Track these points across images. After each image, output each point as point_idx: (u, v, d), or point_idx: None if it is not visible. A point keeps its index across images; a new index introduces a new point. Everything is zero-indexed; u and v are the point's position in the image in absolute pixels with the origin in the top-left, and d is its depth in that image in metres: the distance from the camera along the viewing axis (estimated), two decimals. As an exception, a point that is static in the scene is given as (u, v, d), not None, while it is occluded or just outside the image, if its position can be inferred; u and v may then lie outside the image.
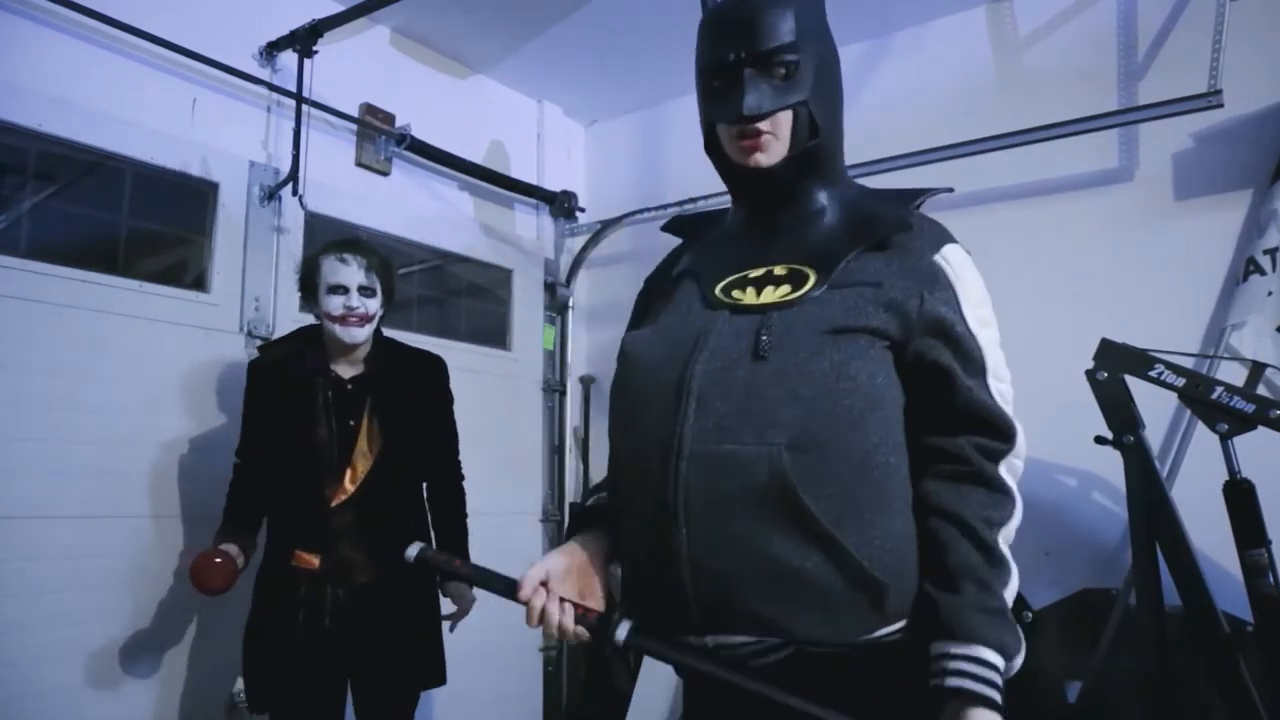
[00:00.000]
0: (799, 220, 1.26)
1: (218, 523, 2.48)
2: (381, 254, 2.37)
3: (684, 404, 1.12)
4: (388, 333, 2.48)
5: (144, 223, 2.70)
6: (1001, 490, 1.14)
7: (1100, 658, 2.50)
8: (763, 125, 1.20)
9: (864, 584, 1.07)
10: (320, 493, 2.21)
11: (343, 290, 2.23)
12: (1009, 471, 1.16)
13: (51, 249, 2.45)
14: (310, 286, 2.29)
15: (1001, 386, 1.20)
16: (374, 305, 2.28)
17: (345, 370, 2.31)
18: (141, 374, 2.54)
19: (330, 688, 2.23)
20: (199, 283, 2.77)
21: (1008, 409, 1.18)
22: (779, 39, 1.19)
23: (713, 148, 1.30)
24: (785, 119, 1.20)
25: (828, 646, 1.08)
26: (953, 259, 1.23)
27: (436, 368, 2.46)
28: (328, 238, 3.11)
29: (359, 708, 2.29)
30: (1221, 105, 2.54)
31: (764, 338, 1.12)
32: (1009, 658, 1.05)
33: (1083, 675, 2.53)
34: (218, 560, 2.15)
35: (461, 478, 2.53)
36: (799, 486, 1.05)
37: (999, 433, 1.16)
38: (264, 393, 2.30)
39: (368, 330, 2.28)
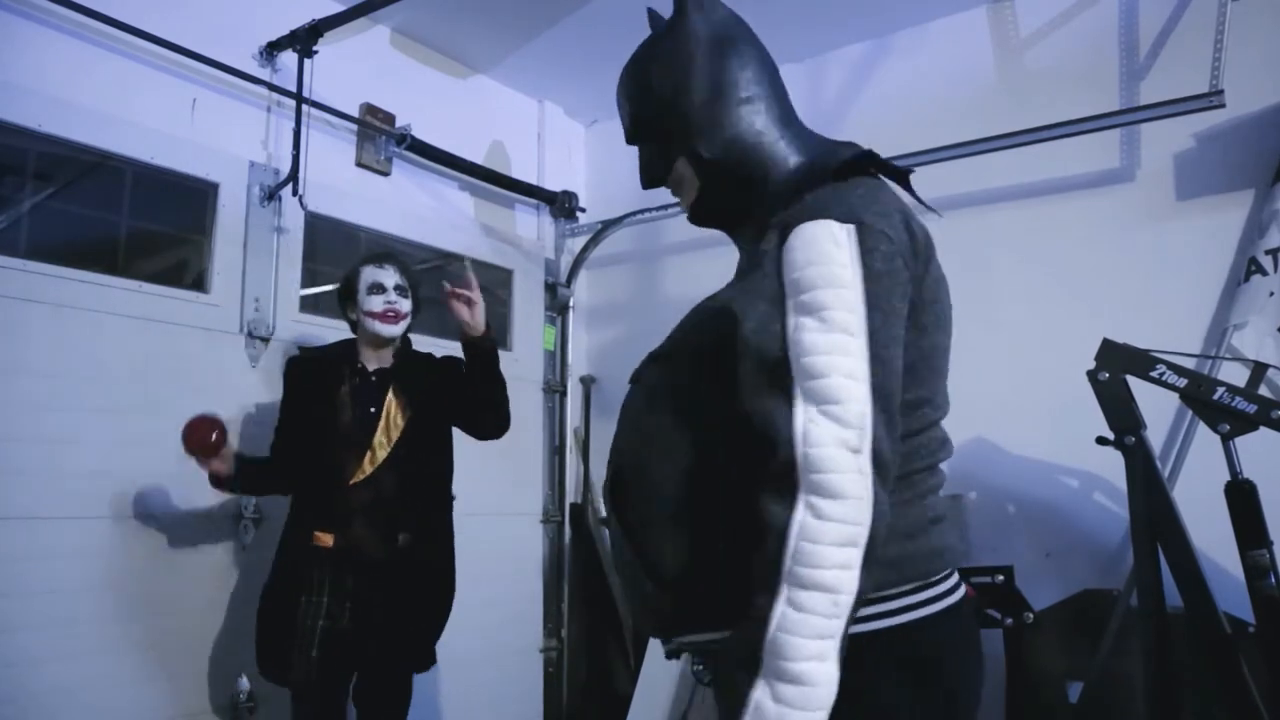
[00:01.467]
0: (749, 243, 1.23)
1: (217, 524, 2.50)
2: (411, 267, 2.61)
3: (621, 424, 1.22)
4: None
5: (144, 223, 2.70)
6: (766, 526, 0.95)
7: (1101, 658, 2.50)
8: (668, 188, 1.28)
9: (659, 591, 1.11)
10: (340, 472, 2.36)
11: (381, 289, 2.48)
12: (807, 494, 0.94)
13: (51, 249, 2.44)
14: (350, 291, 2.51)
15: (815, 385, 0.96)
16: (407, 305, 2.52)
17: (372, 364, 2.50)
18: (141, 374, 2.54)
19: (336, 663, 2.32)
20: (199, 283, 2.77)
21: (798, 420, 0.96)
22: (635, 110, 1.29)
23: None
24: (680, 168, 1.26)
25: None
26: (792, 242, 1.04)
27: (454, 363, 2.62)
28: (328, 238, 3.13)
29: (359, 684, 2.40)
30: (1223, 105, 2.54)
31: (642, 366, 1.21)
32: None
33: (1084, 676, 2.53)
34: (213, 436, 2.23)
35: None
36: (624, 506, 1.15)
37: (767, 446, 0.97)
38: (299, 383, 2.49)
39: (402, 327, 2.51)
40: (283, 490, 2.48)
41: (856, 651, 0.97)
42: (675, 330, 1.20)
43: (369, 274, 2.50)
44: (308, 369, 2.50)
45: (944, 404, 1.18)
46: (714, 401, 1.07)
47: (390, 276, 2.50)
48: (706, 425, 1.09)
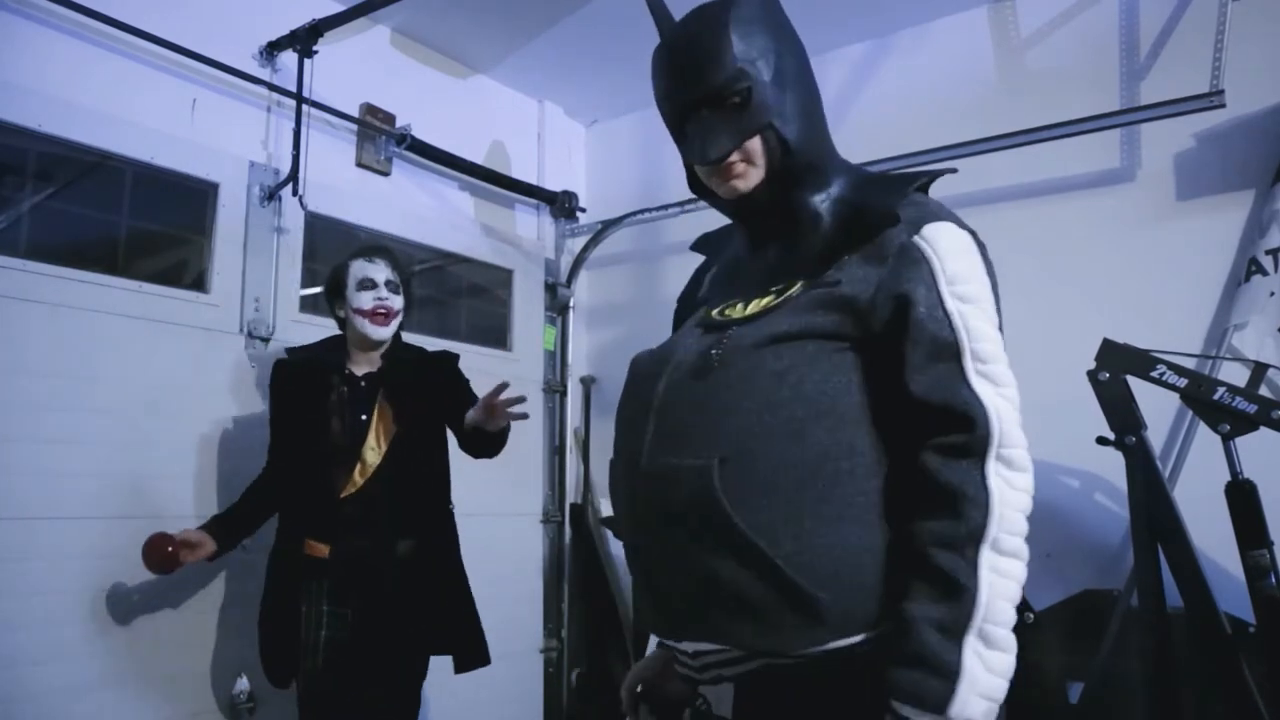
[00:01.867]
0: (795, 231, 1.22)
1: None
2: (404, 262, 2.52)
3: (648, 419, 1.14)
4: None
5: (144, 223, 2.70)
6: (964, 496, 1.00)
7: (1102, 659, 2.49)
8: (732, 158, 1.19)
9: (793, 595, 1.02)
10: (330, 485, 2.28)
11: (371, 284, 2.37)
12: (999, 465, 1.02)
13: (51, 249, 2.44)
14: (338, 287, 2.41)
15: (989, 368, 1.06)
16: (399, 302, 2.42)
17: (361, 368, 2.41)
18: (141, 375, 2.53)
19: (346, 673, 2.26)
20: (199, 283, 2.77)
21: (987, 398, 1.04)
22: (723, 73, 1.17)
23: (697, 180, 1.32)
24: (755, 144, 1.20)
25: (787, 658, 1.06)
26: (931, 236, 1.12)
27: (447, 358, 2.54)
28: (328, 238, 3.12)
29: (367, 691, 2.30)
30: (1224, 105, 2.54)
31: (714, 352, 1.12)
32: (927, 708, 0.96)
33: (1084, 676, 2.53)
34: (169, 550, 2.21)
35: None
36: (726, 499, 1.04)
37: (960, 423, 1.03)
38: (284, 391, 2.40)
39: (393, 327, 2.41)
40: (273, 511, 2.41)
41: (851, 670, 1.04)
42: (787, 313, 1.13)
43: (358, 268, 2.40)
44: (294, 374, 2.40)
45: None
46: (849, 383, 1.09)
47: (381, 271, 2.40)
48: (843, 407, 1.08)
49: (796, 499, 1.04)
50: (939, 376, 1.06)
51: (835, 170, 1.25)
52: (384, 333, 2.38)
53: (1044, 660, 2.60)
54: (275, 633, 2.30)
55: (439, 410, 2.43)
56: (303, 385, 2.37)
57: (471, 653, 2.40)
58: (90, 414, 2.42)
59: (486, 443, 2.36)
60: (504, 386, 2.15)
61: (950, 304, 1.08)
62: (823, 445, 1.06)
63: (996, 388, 1.06)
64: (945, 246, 1.11)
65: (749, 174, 1.21)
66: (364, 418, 2.34)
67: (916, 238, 1.11)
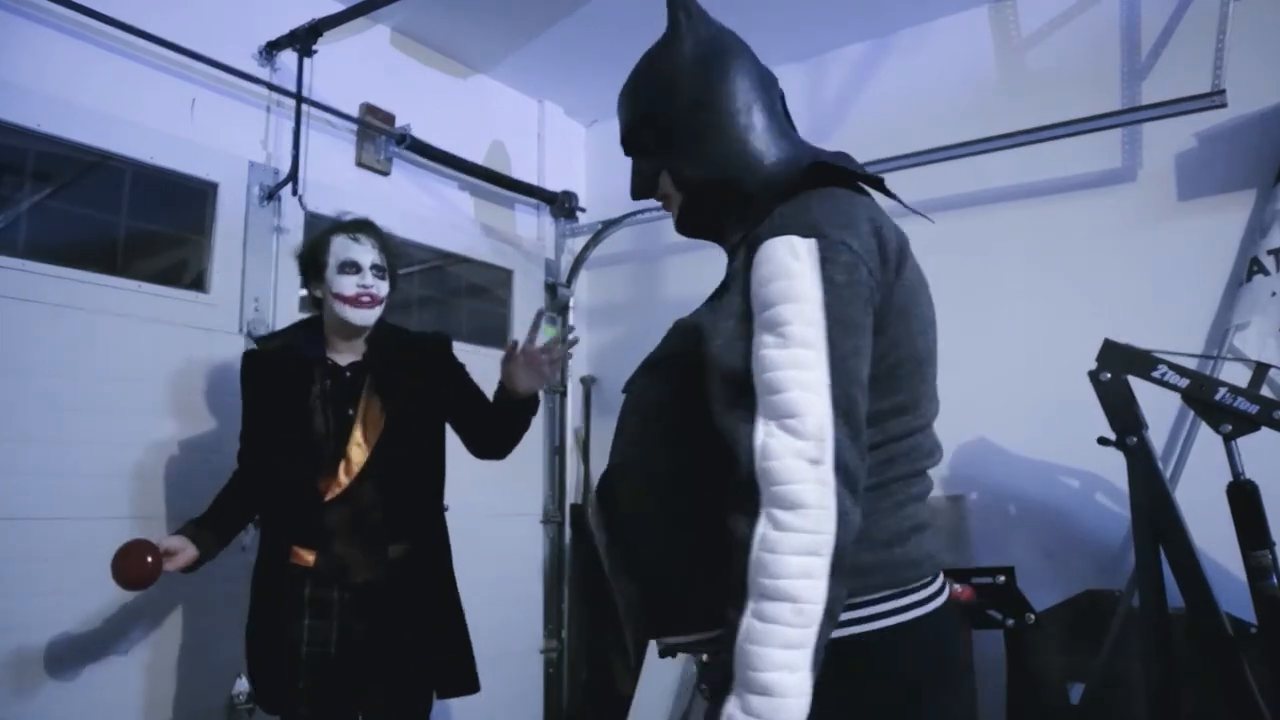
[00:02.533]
0: (730, 257, 1.24)
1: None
2: (391, 239, 2.29)
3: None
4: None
5: (143, 223, 2.70)
6: (735, 545, 0.97)
7: (1103, 659, 2.49)
8: (657, 199, 1.31)
9: (647, 591, 1.15)
10: (314, 487, 2.09)
11: (355, 268, 2.14)
12: (769, 507, 0.96)
13: (50, 249, 2.44)
14: (317, 265, 2.17)
15: (773, 399, 0.98)
16: (385, 288, 2.19)
17: (343, 357, 2.20)
18: (140, 375, 2.53)
19: (340, 693, 2.10)
20: (198, 283, 2.76)
21: (756, 435, 0.98)
22: (626, 124, 1.32)
23: None
24: (666, 182, 1.28)
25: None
26: (757, 258, 1.07)
27: (440, 341, 2.35)
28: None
29: (369, 717, 2.17)
30: (1225, 105, 2.54)
31: (635, 374, 1.24)
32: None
33: (1085, 677, 2.53)
34: (148, 560, 1.99)
35: None
36: (615, 504, 1.19)
37: (734, 465, 0.99)
38: (258, 384, 2.19)
39: (378, 313, 2.18)
40: (251, 515, 2.24)
41: (827, 658, 0.99)
42: (662, 341, 1.24)
43: (341, 247, 2.15)
44: (269, 365, 2.17)
45: (929, 410, 1.17)
46: (691, 415, 1.09)
47: (367, 253, 2.16)
48: (686, 437, 1.11)
49: (641, 507, 1.16)
50: (724, 412, 1.04)
51: (758, 178, 1.21)
52: (368, 317, 2.15)
53: (1045, 661, 2.60)
54: (265, 652, 2.10)
55: (432, 402, 2.25)
56: (279, 377, 2.15)
57: (459, 682, 2.22)
58: (89, 414, 2.42)
59: (511, 419, 2.19)
60: (540, 318, 2.12)
61: (755, 336, 1.04)
62: (657, 458, 1.16)
63: (777, 421, 0.97)
64: (763, 269, 1.05)
65: (673, 207, 1.30)
66: (350, 412, 2.14)
67: (750, 262, 1.09)
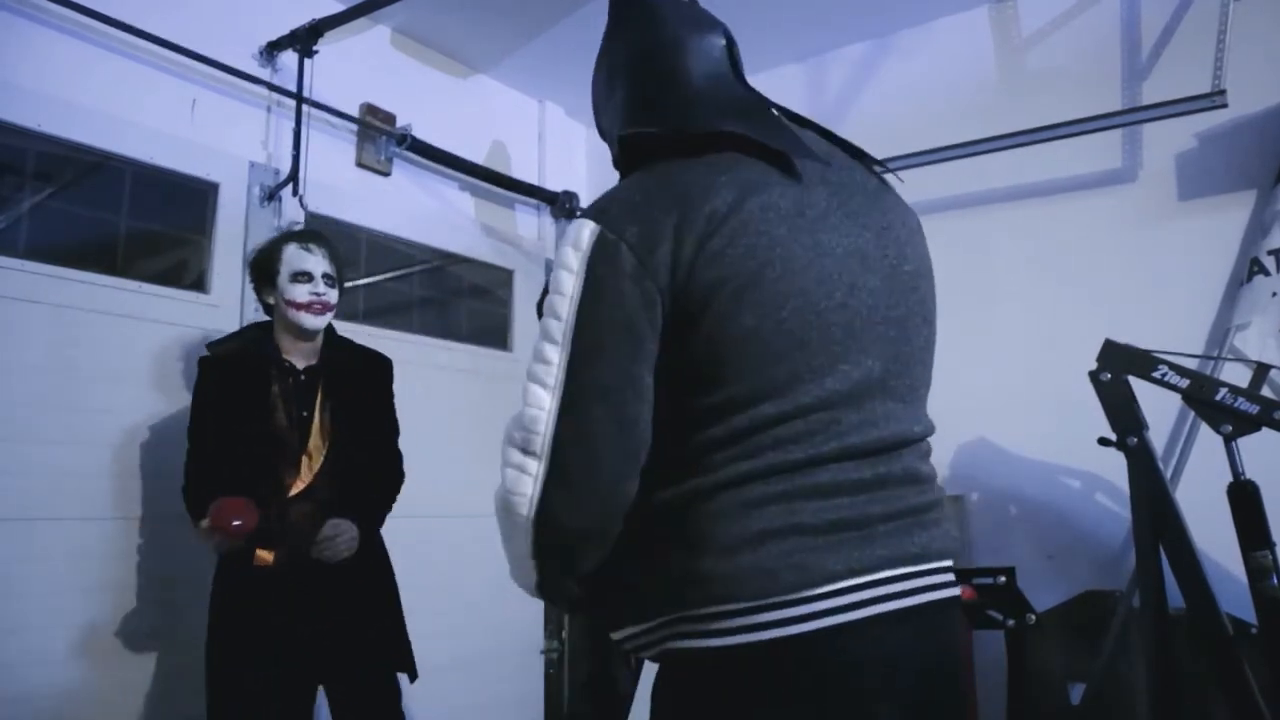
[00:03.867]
0: None
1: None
2: (339, 250, 2.40)
3: None
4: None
5: (143, 223, 2.70)
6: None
7: (1103, 660, 2.49)
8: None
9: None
10: (280, 481, 2.17)
11: (307, 277, 2.25)
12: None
13: (51, 249, 2.44)
14: (269, 273, 2.28)
15: (536, 368, 1.02)
16: (335, 296, 2.30)
17: (297, 360, 2.29)
18: (141, 375, 2.53)
19: (300, 688, 2.18)
20: (199, 283, 2.76)
21: (537, 400, 1.01)
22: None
23: None
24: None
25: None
26: (566, 231, 1.09)
27: (386, 366, 2.47)
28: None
29: (335, 706, 2.23)
30: (1225, 105, 2.53)
31: None
32: None
33: (1086, 677, 2.53)
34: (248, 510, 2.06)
35: (401, 464, 2.47)
36: None
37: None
38: (218, 386, 2.24)
39: (328, 319, 2.30)
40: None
41: (681, 668, 1.01)
42: None
43: (293, 256, 2.26)
44: (228, 368, 2.24)
45: (807, 396, 1.00)
46: None
47: (319, 263, 2.27)
48: None
49: None
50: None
51: (623, 160, 1.23)
52: (319, 322, 2.27)
53: (1045, 661, 2.59)
54: (228, 666, 2.13)
55: (374, 411, 2.38)
56: (238, 379, 2.22)
57: (404, 661, 2.32)
58: (89, 414, 2.42)
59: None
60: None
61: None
62: None
63: (520, 409, 1.03)
64: (557, 252, 1.07)
65: None
66: (305, 414, 2.24)
67: None
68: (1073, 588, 2.71)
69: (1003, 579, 2.57)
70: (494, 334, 3.78)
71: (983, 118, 3.06)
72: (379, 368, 2.45)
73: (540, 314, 1.05)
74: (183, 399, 2.60)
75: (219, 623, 2.18)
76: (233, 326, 2.76)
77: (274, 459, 2.18)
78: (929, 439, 1.14)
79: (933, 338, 1.17)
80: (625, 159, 1.20)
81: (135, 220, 2.67)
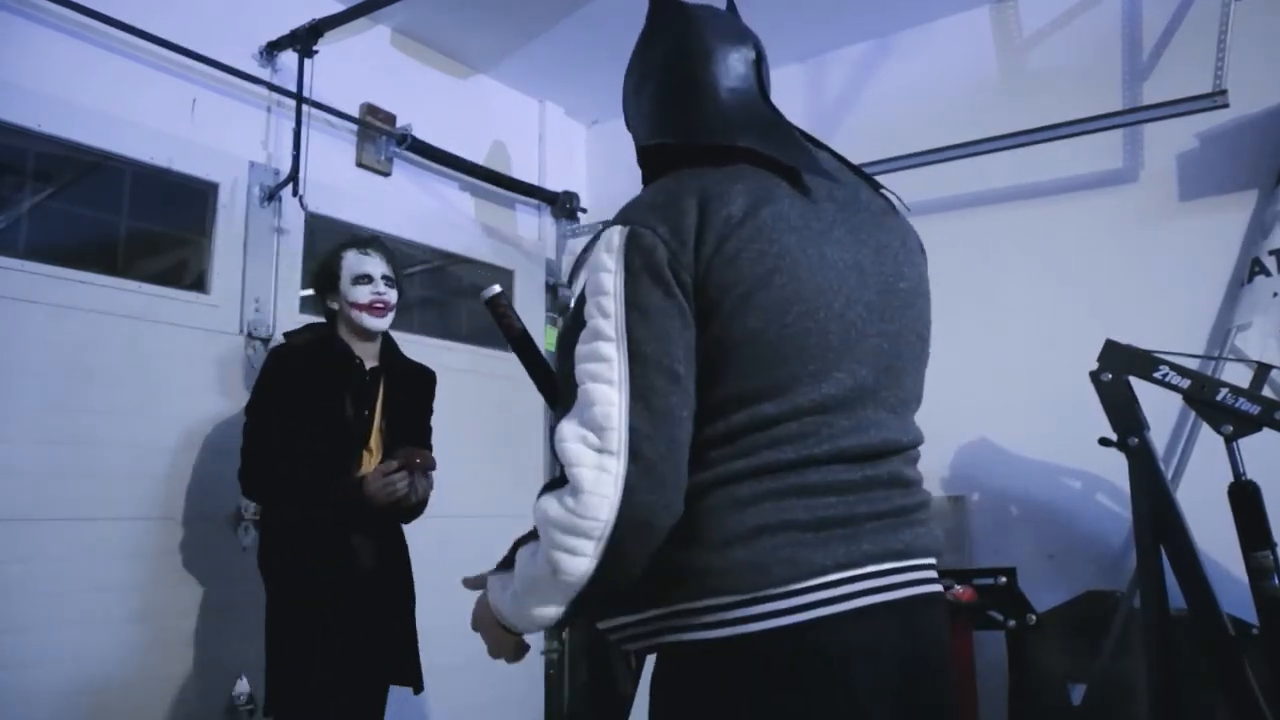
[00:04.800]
0: None
1: (217, 525, 2.48)
2: (395, 252, 2.50)
3: None
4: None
5: (143, 223, 2.70)
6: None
7: (1104, 660, 2.49)
8: None
9: None
10: (349, 469, 2.26)
11: (368, 279, 2.35)
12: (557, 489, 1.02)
13: (51, 249, 2.44)
14: (330, 280, 2.38)
15: (577, 392, 1.02)
16: (395, 296, 2.40)
17: (364, 359, 2.39)
18: (141, 375, 2.53)
19: (353, 680, 2.24)
20: (199, 283, 2.76)
21: (563, 422, 1.02)
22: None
23: None
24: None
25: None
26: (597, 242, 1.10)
27: (433, 380, 2.55)
28: (328, 238, 3.11)
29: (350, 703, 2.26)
30: (1226, 105, 2.53)
31: None
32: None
33: (1087, 678, 2.52)
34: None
35: None
36: None
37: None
38: (292, 374, 2.30)
39: (389, 319, 2.39)
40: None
41: (679, 660, 1.04)
42: None
43: (353, 261, 2.38)
44: (302, 360, 2.32)
45: (803, 399, 1.04)
46: None
47: (378, 265, 2.39)
48: None
49: None
50: (551, 400, 1.14)
51: (646, 168, 1.29)
52: (383, 323, 2.38)
53: (1046, 661, 2.59)
54: (297, 660, 2.18)
55: (420, 417, 2.46)
56: (313, 370, 2.31)
57: (413, 674, 2.37)
58: (89, 415, 2.42)
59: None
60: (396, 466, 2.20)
61: (576, 320, 1.07)
62: None
63: (576, 412, 1.02)
64: (588, 259, 1.08)
65: None
66: (367, 412, 2.35)
67: None
68: (1074, 588, 2.71)
69: (1003, 579, 2.57)
70: (494, 334, 3.75)
71: (983, 118, 3.05)
72: (427, 380, 2.54)
73: (561, 346, 1.09)
74: (183, 399, 2.60)
75: (292, 628, 2.22)
76: (233, 328, 2.76)
77: (344, 448, 2.28)
78: (918, 448, 1.18)
79: (925, 353, 1.22)
80: (646, 161, 1.27)
81: (135, 220, 2.67)
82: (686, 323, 1.02)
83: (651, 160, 1.25)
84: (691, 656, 1.04)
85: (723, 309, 1.02)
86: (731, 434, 1.03)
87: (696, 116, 1.21)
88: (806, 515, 1.02)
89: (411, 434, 2.42)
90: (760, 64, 1.27)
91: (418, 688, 2.37)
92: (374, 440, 2.34)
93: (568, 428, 1.00)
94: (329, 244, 2.59)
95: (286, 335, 2.45)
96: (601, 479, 0.97)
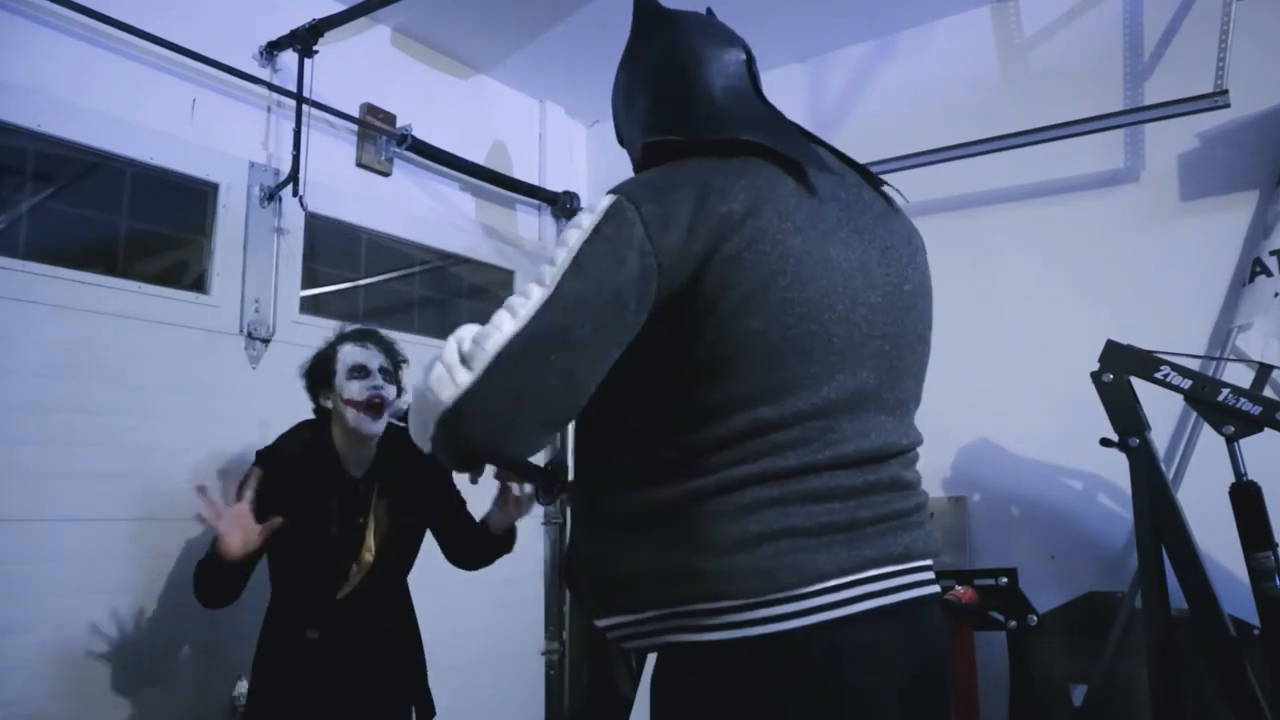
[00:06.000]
0: None
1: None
2: (394, 344, 2.39)
3: None
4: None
5: (143, 223, 2.69)
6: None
7: (1106, 661, 2.49)
8: None
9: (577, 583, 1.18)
10: (328, 587, 2.20)
11: (365, 372, 2.23)
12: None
13: (50, 250, 2.43)
14: (326, 374, 2.26)
15: (513, 299, 1.03)
16: (393, 391, 2.27)
17: (354, 467, 2.28)
18: (140, 376, 2.52)
19: None
20: (199, 284, 2.76)
21: (499, 322, 1.01)
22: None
23: None
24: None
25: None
26: None
27: (429, 469, 2.36)
28: (328, 239, 3.12)
29: None
30: (1228, 105, 2.53)
31: None
32: None
33: (1088, 679, 2.52)
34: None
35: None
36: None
37: None
38: (275, 488, 2.16)
39: (385, 420, 2.24)
40: (225, 601, 2.17)
41: (680, 659, 1.05)
42: None
43: (349, 354, 2.25)
44: (286, 471, 2.20)
45: (803, 403, 1.04)
46: (591, 406, 1.08)
47: (375, 357, 2.26)
48: (592, 430, 1.17)
49: (577, 503, 1.22)
50: None
51: (644, 159, 1.27)
52: (377, 428, 2.23)
53: (1047, 662, 2.59)
54: (270, 707, 2.20)
55: (427, 508, 2.38)
56: (298, 484, 2.20)
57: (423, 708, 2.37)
58: (89, 415, 2.41)
59: (490, 551, 2.36)
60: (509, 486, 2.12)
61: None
62: (582, 457, 1.20)
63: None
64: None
65: None
66: (360, 520, 2.25)
67: None
68: (1075, 589, 2.71)
69: (1004, 580, 2.57)
70: (494, 334, 3.78)
71: (984, 118, 3.05)
72: (422, 479, 2.37)
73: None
74: (183, 400, 2.60)
75: (264, 692, 2.22)
76: (233, 328, 2.76)
77: (323, 567, 2.19)
78: (916, 449, 1.18)
79: (926, 355, 1.21)
80: (646, 167, 1.23)
81: (135, 220, 2.67)
82: (623, 306, 1.00)
83: (651, 163, 1.22)
84: (692, 657, 1.04)
85: (721, 308, 1.01)
86: (731, 438, 1.03)
87: (696, 114, 1.20)
88: (809, 522, 1.02)
89: (422, 518, 2.37)
90: (751, 64, 1.27)
91: (431, 714, 2.37)
92: (368, 545, 2.25)
93: (463, 328, 1.04)
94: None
95: (275, 447, 2.30)
96: (443, 383, 0.99)
